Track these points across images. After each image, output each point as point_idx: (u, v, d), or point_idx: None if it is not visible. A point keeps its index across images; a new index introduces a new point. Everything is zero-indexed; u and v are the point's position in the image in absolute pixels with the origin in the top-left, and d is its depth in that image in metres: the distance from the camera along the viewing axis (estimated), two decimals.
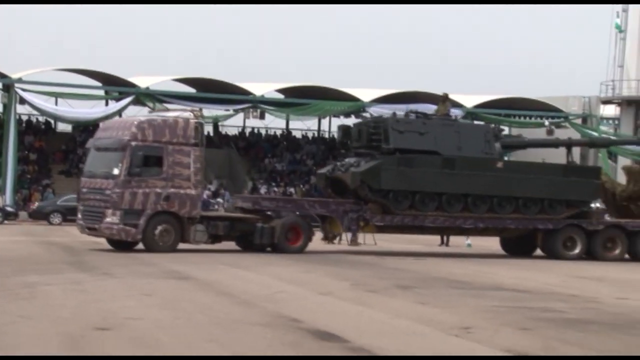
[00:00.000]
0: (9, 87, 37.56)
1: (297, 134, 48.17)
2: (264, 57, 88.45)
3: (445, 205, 19.91)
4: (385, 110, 39.77)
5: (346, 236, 22.25)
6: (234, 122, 46.42)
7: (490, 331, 8.80)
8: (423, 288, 12.75)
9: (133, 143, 17.94)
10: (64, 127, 45.36)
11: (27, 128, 43.47)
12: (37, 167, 40.38)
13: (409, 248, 23.10)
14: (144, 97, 38.92)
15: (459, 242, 24.65)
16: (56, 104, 40.74)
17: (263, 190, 39.63)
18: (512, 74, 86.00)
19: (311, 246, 22.71)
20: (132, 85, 39.78)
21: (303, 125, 47.32)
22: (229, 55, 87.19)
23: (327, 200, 20.50)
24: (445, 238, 25.22)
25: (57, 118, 40.41)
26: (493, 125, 22.27)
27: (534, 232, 20.94)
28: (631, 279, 16.24)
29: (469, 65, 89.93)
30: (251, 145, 45.85)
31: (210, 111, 43.07)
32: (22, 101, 38.23)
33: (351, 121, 37.99)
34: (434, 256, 20.67)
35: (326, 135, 48.09)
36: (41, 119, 44.29)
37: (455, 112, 42.94)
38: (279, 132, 47.88)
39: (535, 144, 25.02)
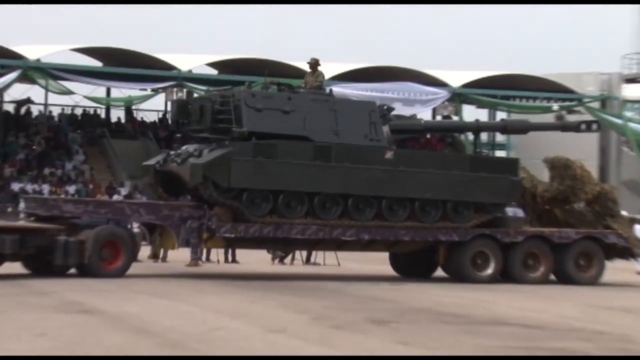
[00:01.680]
0: None
1: None
2: (193, 24, 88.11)
3: (318, 210, 19.20)
4: (349, 91, 39.92)
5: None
6: (153, 105, 46.16)
7: None
8: (403, 322, 12.75)
9: None
10: None
11: None
12: None
13: (382, 270, 23.09)
14: (33, 72, 38.39)
15: None
16: None
17: None
18: (511, 48, 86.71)
19: (257, 268, 22.44)
20: (18, 57, 39.21)
21: None
22: (148, 22, 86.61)
23: (157, 204, 19.57)
24: None
25: None
26: (380, 103, 21.53)
27: (435, 245, 20.58)
28: None
29: (461, 37, 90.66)
30: (175, 135, 45.52)
31: (122, 91, 42.76)
32: None
33: None
34: (415, 280, 20.43)
35: None
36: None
37: (440, 93, 43.44)
38: None
39: (434, 127, 24.39)
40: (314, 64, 20.79)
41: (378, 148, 19.80)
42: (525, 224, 21.57)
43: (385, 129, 20.34)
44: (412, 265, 21.77)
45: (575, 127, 25.41)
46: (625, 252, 22.21)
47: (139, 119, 46.60)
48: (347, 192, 19.44)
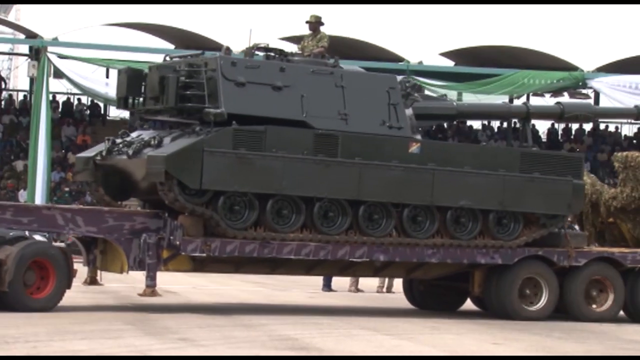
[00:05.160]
0: (39, 53, 37.84)
1: None
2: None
3: (318, 221, 17.82)
4: (615, 83, 38.99)
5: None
6: None
7: None
8: None
9: None
10: (118, 113, 46.78)
11: (65, 114, 45.01)
12: None
13: None
14: None
15: None
16: (107, 76, 42.09)
17: None
18: None
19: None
20: (215, 47, 40.61)
21: None
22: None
23: (100, 211, 17.68)
24: None
25: (109, 99, 41.72)
26: (402, 77, 19.96)
27: (469, 270, 19.25)
28: None
29: None
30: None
31: None
32: (59, 74, 39.63)
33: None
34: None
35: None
36: (85, 100, 45.86)
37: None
38: None
39: (470, 112, 22.91)
40: (316, 23, 19.37)
41: (399, 139, 18.40)
42: (586, 243, 20.05)
43: (409, 112, 18.88)
44: (435, 295, 20.62)
45: None
46: None
47: None
48: (357, 198, 17.98)
